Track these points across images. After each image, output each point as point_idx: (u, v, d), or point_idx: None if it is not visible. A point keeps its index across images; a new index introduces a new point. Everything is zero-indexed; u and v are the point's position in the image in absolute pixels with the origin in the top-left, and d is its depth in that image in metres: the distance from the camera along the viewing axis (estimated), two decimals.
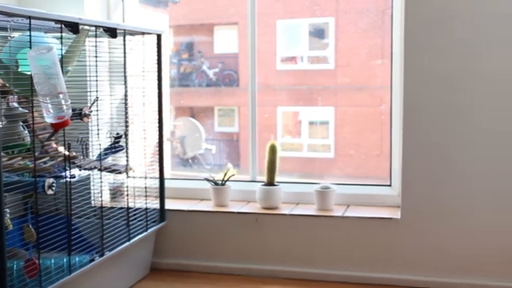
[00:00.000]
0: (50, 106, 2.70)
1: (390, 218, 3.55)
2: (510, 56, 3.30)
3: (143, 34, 3.59)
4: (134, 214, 3.55)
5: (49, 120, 2.74)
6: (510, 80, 3.31)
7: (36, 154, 2.81)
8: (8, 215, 2.74)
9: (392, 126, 3.76)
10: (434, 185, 3.47)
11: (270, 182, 3.84)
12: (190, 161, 4.81)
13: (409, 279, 3.54)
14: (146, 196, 3.67)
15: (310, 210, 3.74)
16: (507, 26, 3.29)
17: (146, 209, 3.65)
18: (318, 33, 4.92)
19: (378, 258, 3.60)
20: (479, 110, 3.37)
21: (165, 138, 3.90)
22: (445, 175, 3.45)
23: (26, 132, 2.97)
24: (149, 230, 3.64)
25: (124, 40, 3.41)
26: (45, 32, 3.12)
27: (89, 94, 3.20)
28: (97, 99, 3.21)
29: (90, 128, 3.33)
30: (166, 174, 4.02)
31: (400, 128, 3.55)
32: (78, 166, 3.15)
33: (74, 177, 3.08)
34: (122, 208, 3.50)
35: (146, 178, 3.69)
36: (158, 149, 3.79)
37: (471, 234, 3.45)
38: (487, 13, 3.31)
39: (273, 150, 3.84)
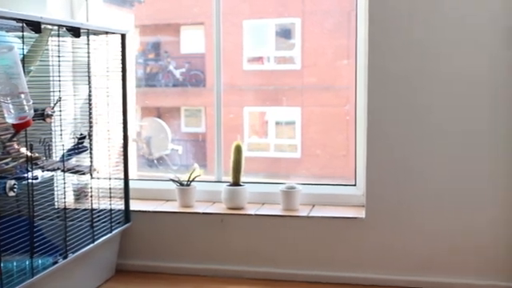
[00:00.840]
0: (11, 106, 2.66)
1: (355, 218, 3.58)
2: (468, 57, 3.36)
3: (107, 33, 3.56)
4: (99, 216, 3.52)
5: (10, 120, 2.70)
6: (469, 81, 3.37)
7: None
8: None
9: (356, 126, 3.79)
10: (398, 184, 3.51)
11: (236, 183, 3.84)
12: (156, 161, 4.78)
13: (373, 278, 3.58)
14: (110, 197, 3.63)
15: (276, 210, 3.75)
16: (464, 28, 3.35)
17: (111, 210, 3.62)
18: (285, 33, 4.93)
19: (343, 257, 3.62)
20: (439, 110, 3.42)
21: (130, 139, 3.87)
22: (408, 175, 3.49)
23: None
24: (113, 232, 3.61)
25: (88, 40, 3.38)
26: (6, 31, 3.07)
27: (52, 94, 3.16)
28: (60, 99, 3.17)
29: (52, 128, 3.28)
30: (132, 175, 3.99)
31: (364, 128, 3.58)
32: (40, 167, 3.11)
33: (37, 178, 3.04)
34: (86, 209, 3.47)
35: (110, 178, 3.66)
36: (122, 149, 3.76)
37: (433, 232, 3.50)
38: (447, 14, 3.36)
39: (238, 150, 3.84)
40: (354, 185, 3.84)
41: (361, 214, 3.60)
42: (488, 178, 3.42)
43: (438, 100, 3.41)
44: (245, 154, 3.90)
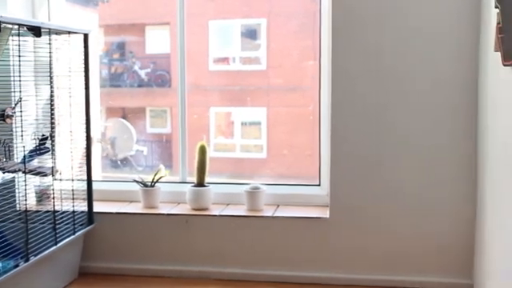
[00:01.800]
0: None
1: (319, 218, 3.60)
2: (429, 57, 3.40)
3: (69, 33, 3.52)
4: (61, 218, 3.48)
5: None
6: (430, 81, 3.42)
7: None
8: None
9: (321, 127, 3.81)
10: (361, 184, 3.54)
11: (200, 183, 3.83)
12: (120, 162, 4.74)
13: (337, 277, 3.60)
14: (73, 199, 3.59)
15: (240, 210, 3.75)
16: (423, 30, 3.40)
17: (74, 212, 3.58)
18: (251, 34, 4.93)
19: (308, 257, 3.64)
20: (402, 110, 3.47)
21: (95, 140, 3.83)
22: (371, 175, 3.52)
23: None
24: (76, 234, 3.58)
25: (49, 39, 3.34)
26: None
27: (12, 94, 3.12)
28: (20, 100, 3.13)
29: (13, 129, 3.24)
30: (96, 176, 3.95)
31: (328, 128, 3.60)
32: (1, 169, 3.06)
33: None
34: (48, 211, 3.42)
35: (73, 180, 3.62)
36: (85, 150, 3.72)
37: (395, 232, 3.54)
38: (406, 16, 3.41)
39: (202, 150, 3.83)
40: (319, 185, 3.86)
41: (325, 213, 3.62)
42: (449, 179, 3.47)
43: (401, 100, 3.45)
44: (210, 154, 3.90)
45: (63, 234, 3.45)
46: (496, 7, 2.64)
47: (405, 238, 3.53)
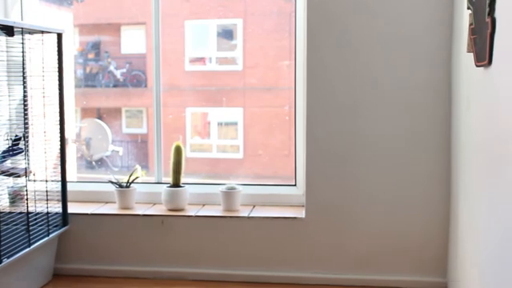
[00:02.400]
0: None
1: (295, 218, 3.61)
2: (404, 57, 3.43)
3: (42, 32, 3.49)
4: (35, 219, 3.44)
5: None
6: (405, 82, 3.44)
7: None
8: None
9: (296, 127, 3.82)
10: (337, 184, 3.55)
11: (176, 184, 3.82)
12: (95, 163, 4.70)
13: (313, 277, 3.61)
14: (47, 200, 3.56)
15: (216, 210, 3.75)
16: (398, 29, 3.42)
17: (48, 213, 3.54)
18: (227, 34, 4.93)
19: (284, 256, 3.64)
20: (376, 110, 3.48)
21: (70, 140, 3.80)
22: (346, 175, 3.54)
23: None
24: (51, 235, 3.54)
25: (22, 39, 3.30)
26: None
27: None
28: None
29: None
30: (71, 177, 3.92)
31: (303, 128, 3.61)
32: None
33: None
34: (21, 213, 3.38)
35: (47, 181, 3.58)
36: (60, 151, 3.68)
37: (370, 231, 3.56)
38: (382, 15, 3.43)
39: (178, 151, 3.82)
40: (295, 185, 3.87)
41: (301, 213, 3.63)
42: (423, 179, 3.49)
43: (375, 100, 3.47)
44: (187, 154, 3.88)
45: (37, 236, 3.42)
46: (468, 8, 2.67)
47: (380, 237, 3.55)
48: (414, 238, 3.52)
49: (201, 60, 5.05)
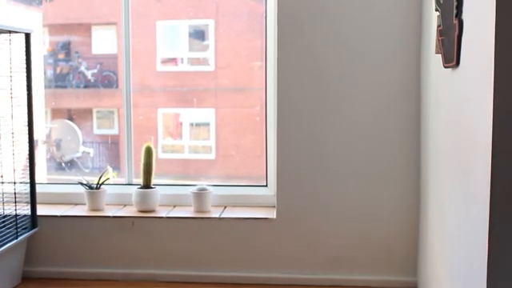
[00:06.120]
0: None
1: (266, 218, 3.61)
2: (375, 51, 3.46)
3: (10, 32, 3.44)
4: (3, 222, 3.40)
5: None
6: (378, 76, 3.46)
7: None
8: None
9: (267, 127, 3.82)
10: (308, 184, 3.56)
11: (147, 185, 3.79)
12: (65, 164, 4.65)
13: (285, 277, 3.62)
14: (15, 202, 3.51)
15: (187, 212, 3.73)
16: (370, 23, 3.45)
17: (16, 215, 3.50)
18: (198, 34, 4.91)
19: (255, 257, 3.65)
20: (348, 109, 3.50)
21: (40, 141, 3.75)
22: (317, 176, 3.55)
23: None
24: (19, 238, 3.50)
25: None
26: None
27: None
28: None
29: None
30: (41, 179, 3.87)
31: (274, 129, 3.61)
32: None
33: None
34: None
35: (15, 183, 3.53)
36: (28, 152, 3.64)
37: (342, 231, 3.58)
38: (353, 14, 3.44)
39: (149, 152, 3.79)
40: (266, 185, 3.87)
41: (272, 214, 3.63)
42: (394, 181, 3.52)
43: (345, 101, 3.49)
44: (159, 155, 3.86)
45: (5, 239, 3.37)
46: (436, 10, 2.70)
47: (350, 237, 3.57)
48: (385, 238, 3.55)
49: (172, 60, 5.03)
